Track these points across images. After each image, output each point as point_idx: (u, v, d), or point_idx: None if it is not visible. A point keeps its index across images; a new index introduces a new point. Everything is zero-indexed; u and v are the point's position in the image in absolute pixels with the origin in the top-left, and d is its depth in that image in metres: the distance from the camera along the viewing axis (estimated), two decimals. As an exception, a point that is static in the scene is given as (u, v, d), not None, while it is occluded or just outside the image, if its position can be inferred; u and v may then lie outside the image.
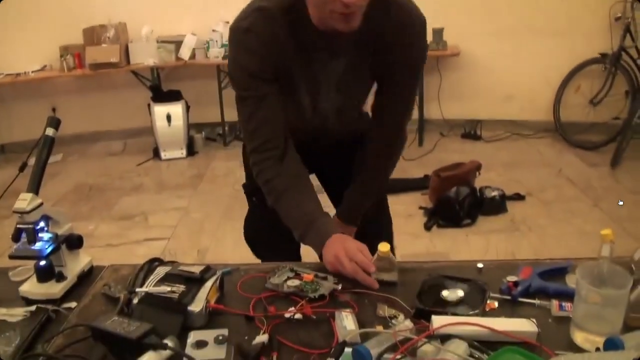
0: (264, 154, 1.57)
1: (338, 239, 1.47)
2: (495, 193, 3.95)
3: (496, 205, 3.93)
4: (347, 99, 1.67)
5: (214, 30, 5.67)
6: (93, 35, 5.67)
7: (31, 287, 1.41)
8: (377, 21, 1.47)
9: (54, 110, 6.07)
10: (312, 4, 1.40)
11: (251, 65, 1.49)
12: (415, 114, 5.46)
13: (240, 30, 1.47)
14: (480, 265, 1.42)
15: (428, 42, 5.62)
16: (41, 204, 1.36)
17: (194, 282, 1.27)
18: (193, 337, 1.18)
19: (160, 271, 1.33)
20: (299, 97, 1.63)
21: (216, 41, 5.62)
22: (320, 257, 1.51)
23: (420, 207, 4.05)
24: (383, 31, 1.50)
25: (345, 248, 1.42)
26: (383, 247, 1.39)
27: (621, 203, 4.41)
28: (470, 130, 5.70)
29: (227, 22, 5.24)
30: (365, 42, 1.51)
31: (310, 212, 1.56)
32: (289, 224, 1.58)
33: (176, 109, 5.59)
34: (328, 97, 1.64)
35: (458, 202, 3.81)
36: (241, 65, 1.51)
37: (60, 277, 1.41)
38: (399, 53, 1.54)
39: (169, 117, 5.54)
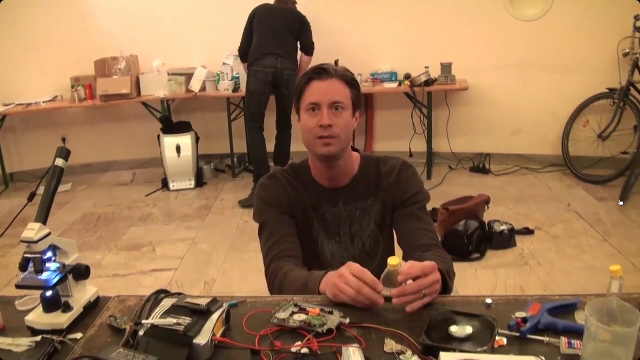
0: (283, 260, 1.68)
1: (334, 271, 1.45)
2: (504, 227, 3.93)
3: (505, 240, 3.91)
4: (359, 243, 1.84)
5: (224, 63, 5.74)
6: (104, 67, 5.77)
7: (37, 317, 1.40)
8: (370, 171, 1.81)
9: (63, 140, 6.14)
10: (305, 141, 1.72)
11: (267, 195, 1.79)
12: (423, 147, 5.52)
13: (265, 177, 1.85)
14: (488, 300, 1.40)
15: (437, 76, 5.57)
16: (49, 234, 1.37)
17: (200, 314, 1.26)
18: (198, 370, 1.17)
19: (167, 303, 1.32)
20: (320, 249, 1.84)
21: (226, 74, 5.69)
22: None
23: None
24: (379, 177, 1.80)
25: (348, 266, 1.39)
26: (393, 260, 1.35)
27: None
28: (479, 164, 5.70)
29: (237, 55, 5.30)
30: (363, 189, 1.80)
31: (308, 272, 1.59)
32: (292, 286, 1.57)
33: (185, 140, 5.63)
34: (343, 242, 1.84)
35: (466, 235, 3.79)
36: (259, 195, 1.80)
37: (67, 308, 1.40)
38: (400, 191, 1.78)
39: (178, 148, 5.58)
